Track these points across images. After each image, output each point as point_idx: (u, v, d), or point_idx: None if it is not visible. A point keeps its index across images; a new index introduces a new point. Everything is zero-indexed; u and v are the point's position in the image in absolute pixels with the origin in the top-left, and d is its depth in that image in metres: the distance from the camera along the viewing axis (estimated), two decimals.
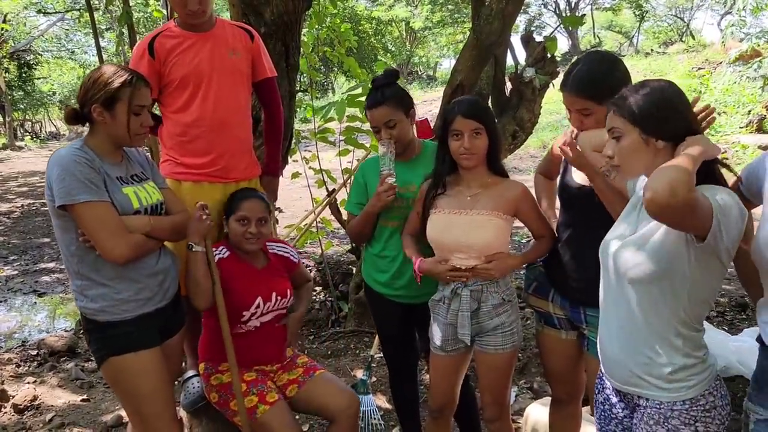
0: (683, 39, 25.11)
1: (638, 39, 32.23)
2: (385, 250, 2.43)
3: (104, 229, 1.82)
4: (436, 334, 2.23)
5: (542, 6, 29.47)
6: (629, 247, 1.58)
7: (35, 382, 3.71)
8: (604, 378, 1.75)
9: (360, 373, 3.41)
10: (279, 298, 2.33)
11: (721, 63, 14.10)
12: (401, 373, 2.65)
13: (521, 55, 4.18)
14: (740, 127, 11.46)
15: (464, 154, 2.07)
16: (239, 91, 2.44)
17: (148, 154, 2.38)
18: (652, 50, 23.01)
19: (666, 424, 1.55)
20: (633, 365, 1.59)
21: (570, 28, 22.21)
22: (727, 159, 10.25)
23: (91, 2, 4.90)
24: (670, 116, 1.51)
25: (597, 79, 1.91)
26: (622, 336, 1.62)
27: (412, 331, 2.59)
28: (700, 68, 14.70)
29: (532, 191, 2.31)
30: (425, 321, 2.34)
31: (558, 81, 2.18)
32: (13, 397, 3.44)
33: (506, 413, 2.30)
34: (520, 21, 24.32)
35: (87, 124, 1.96)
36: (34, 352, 4.21)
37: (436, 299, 2.24)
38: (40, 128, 30.54)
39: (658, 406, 1.57)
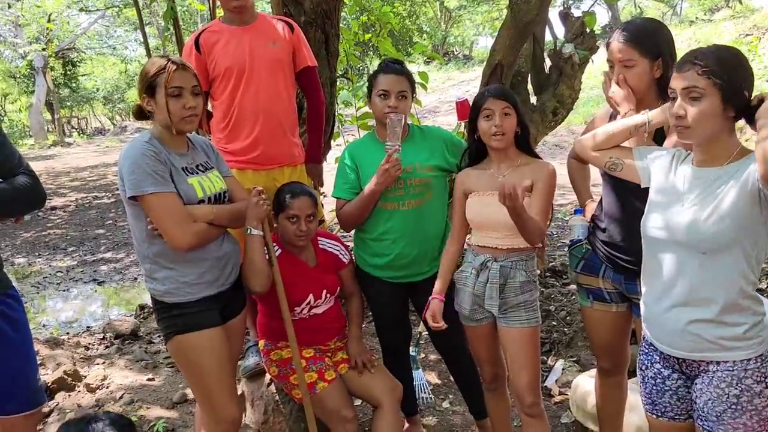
0: (729, 5, 24.02)
1: (682, 7, 30.99)
2: (386, 233, 2.44)
3: (170, 219, 1.92)
4: (465, 305, 2.29)
5: None
6: (699, 219, 1.59)
7: (104, 363, 3.94)
8: (651, 353, 1.76)
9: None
10: (328, 295, 2.44)
11: None
12: (396, 354, 2.68)
13: (560, 30, 4.15)
14: None
15: (495, 134, 2.12)
16: (280, 78, 2.57)
17: (212, 142, 2.47)
18: (696, 18, 22.11)
19: (739, 384, 1.57)
20: (704, 332, 1.61)
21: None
22: None
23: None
24: (747, 87, 1.54)
25: (646, 33, 1.96)
26: (689, 306, 1.63)
27: (407, 311, 2.66)
28: (747, 35, 14.07)
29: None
30: (425, 295, 2.34)
31: (597, 56, 2.20)
32: (86, 377, 3.68)
33: (540, 399, 2.27)
34: None
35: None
36: (101, 336, 4.45)
37: (464, 270, 2.30)
38: (86, 124, 31.37)
39: (731, 368, 1.58)
